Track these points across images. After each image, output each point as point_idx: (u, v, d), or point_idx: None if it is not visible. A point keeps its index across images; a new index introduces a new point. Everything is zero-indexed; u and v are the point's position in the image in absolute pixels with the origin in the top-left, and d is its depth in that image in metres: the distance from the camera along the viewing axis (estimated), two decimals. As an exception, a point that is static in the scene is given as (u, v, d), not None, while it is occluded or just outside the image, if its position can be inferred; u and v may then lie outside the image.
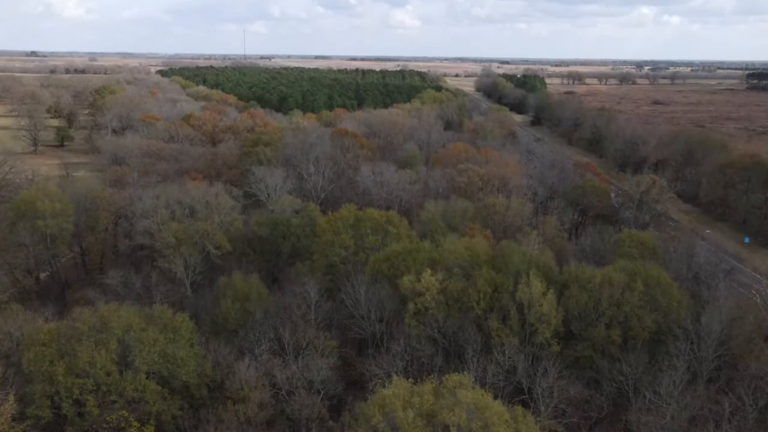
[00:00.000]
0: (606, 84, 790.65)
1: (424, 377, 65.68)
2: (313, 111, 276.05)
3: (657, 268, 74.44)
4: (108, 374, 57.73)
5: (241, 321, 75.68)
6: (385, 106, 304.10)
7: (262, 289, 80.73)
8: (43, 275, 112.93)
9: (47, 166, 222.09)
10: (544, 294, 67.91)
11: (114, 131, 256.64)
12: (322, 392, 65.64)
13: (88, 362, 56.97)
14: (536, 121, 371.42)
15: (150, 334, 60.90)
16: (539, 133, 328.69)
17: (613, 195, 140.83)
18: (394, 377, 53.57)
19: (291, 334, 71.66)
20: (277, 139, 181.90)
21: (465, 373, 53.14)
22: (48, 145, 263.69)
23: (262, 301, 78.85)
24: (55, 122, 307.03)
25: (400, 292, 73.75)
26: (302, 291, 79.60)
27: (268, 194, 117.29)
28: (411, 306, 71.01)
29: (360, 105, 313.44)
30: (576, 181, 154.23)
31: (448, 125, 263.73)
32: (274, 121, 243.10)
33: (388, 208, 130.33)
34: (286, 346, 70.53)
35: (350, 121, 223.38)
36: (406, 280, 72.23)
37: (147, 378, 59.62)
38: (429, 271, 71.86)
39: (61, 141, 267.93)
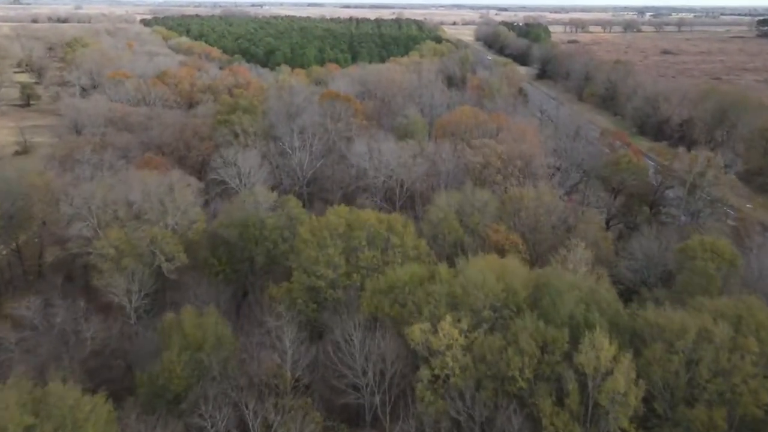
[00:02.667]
0: (610, 32, 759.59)
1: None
2: (302, 66, 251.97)
3: (763, 307, 53.49)
4: None
5: (192, 379, 55.30)
6: (382, 59, 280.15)
7: (222, 329, 59.88)
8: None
9: (6, 129, 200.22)
10: (616, 359, 47.31)
11: (84, 89, 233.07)
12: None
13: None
14: (542, 74, 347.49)
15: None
16: (547, 88, 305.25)
17: (651, 171, 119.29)
18: None
19: (258, 404, 51.52)
20: (257, 104, 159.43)
21: None
22: (13, 105, 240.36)
23: (223, 346, 58.34)
24: (24, 78, 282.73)
25: (409, 343, 53.20)
26: (276, 329, 59.33)
27: (241, 180, 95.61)
28: (425, 372, 50.45)
29: (354, 59, 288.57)
30: (604, 154, 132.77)
31: (449, 81, 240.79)
32: (259, 79, 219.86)
33: (387, 193, 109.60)
34: (251, 425, 50.38)
35: (343, 78, 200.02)
36: (418, 331, 51.56)
37: None
38: (449, 319, 51.12)
39: (27, 100, 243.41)
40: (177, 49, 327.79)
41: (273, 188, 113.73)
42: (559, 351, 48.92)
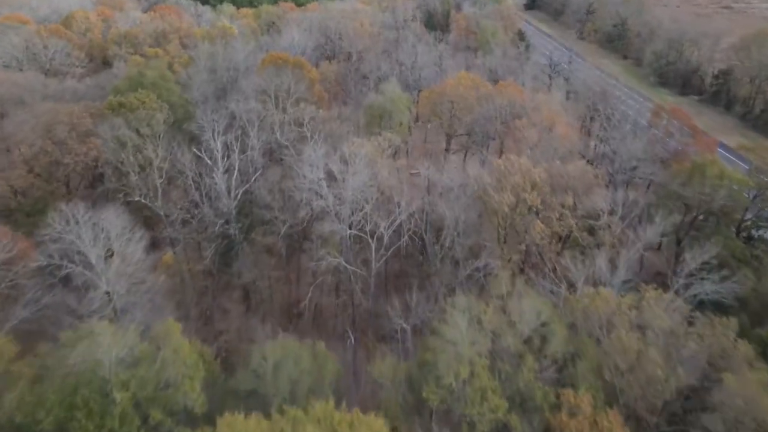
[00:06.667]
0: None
1: None
2: (251, 4, 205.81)
3: None
4: None
5: None
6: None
7: None
8: None
9: None
10: None
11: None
12: None
13: None
14: (531, 5, 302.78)
15: None
16: (538, 21, 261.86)
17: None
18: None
19: None
20: (179, 68, 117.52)
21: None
22: None
23: None
24: None
25: None
26: None
27: (95, 261, 53.70)
28: None
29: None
30: (664, 145, 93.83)
31: (429, 20, 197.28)
32: (195, 22, 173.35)
33: (357, 242, 69.95)
34: None
35: (299, 25, 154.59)
36: None
37: None
38: None
39: None
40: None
41: (193, 219, 74.29)
42: None
